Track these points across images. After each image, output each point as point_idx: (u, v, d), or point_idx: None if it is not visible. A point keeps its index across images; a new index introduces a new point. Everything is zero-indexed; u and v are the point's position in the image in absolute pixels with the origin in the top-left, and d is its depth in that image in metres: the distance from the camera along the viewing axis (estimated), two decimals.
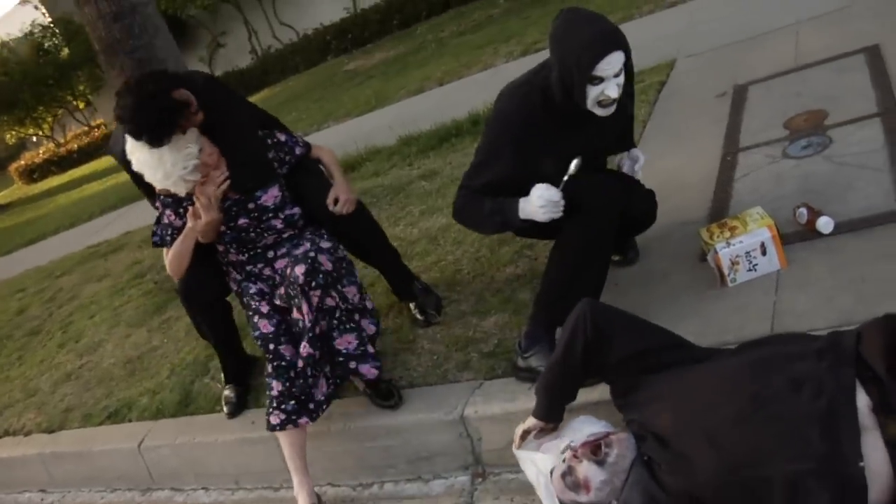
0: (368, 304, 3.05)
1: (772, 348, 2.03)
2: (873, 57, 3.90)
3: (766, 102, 4.00)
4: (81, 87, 23.53)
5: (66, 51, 22.59)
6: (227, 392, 3.42)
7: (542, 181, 2.48)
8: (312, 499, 2.80)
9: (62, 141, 24.39)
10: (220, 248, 3.06)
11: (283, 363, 2.82)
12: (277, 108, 11.64)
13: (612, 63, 2.39)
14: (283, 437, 2.84)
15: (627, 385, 2.15)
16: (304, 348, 2.78)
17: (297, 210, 3.06)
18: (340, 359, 2.87)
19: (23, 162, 23.59)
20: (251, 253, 3.04)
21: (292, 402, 2.78)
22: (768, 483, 1.81)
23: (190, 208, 2.89)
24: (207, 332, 3.36)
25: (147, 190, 3.13)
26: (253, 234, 3.01)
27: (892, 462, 1.74)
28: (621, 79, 2.45)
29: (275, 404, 2.80)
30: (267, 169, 3.02)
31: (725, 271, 2.65)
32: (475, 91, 6.76)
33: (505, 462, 2.67)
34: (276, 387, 2.80)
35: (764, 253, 2.63)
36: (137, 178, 3.00)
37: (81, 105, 24.52)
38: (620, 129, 2.81)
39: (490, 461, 2.70)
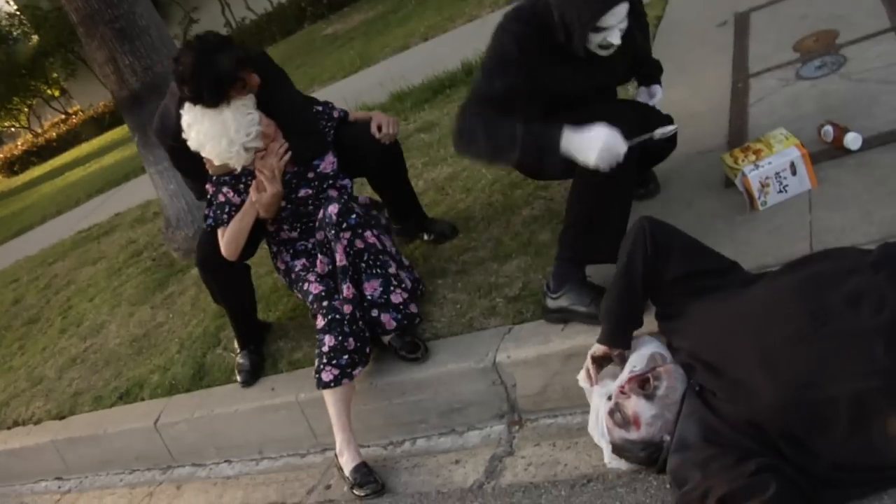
0: (405, 261, 3.04)
1: (823, 264, 1.96)
2: None
3: (772, 27, 3.88)
4: (55, 75, 23.12)
5: (35, 39, 22.14)
6: (240, 360, 3.33)
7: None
8: (359, 457, 2.71)
9: (39, 131, 24.03)
10: (272, 228, 3.09)
11: (337, 316, 2.77)
12: None
13: (616, 14, 2.32)
14: (331, 395, 2.75)
15: (677, 310, 2.08)
16: (348, 289, 2.77)
17: (347, 181, 3.13)
18: (365, 304, 2.83)
19: (1, 155, 23.23)
20: (303, 227, 3.06)
21: (345, 356, 2.72)
22: (833, 403, 1.73)
23: (253, 182, 2.88)
24: (223, 296, 3.26)
25: (195, 173, 3.11)
26: (311, 207, 3.01)
27: None
28: (625, 24, 2.36)
29: (325, 360, 2.73)
30: (322, 138, 3.07)
31: (756, 194, 2.56)
32: (463, 43, 6.59)
33: (542, 407, 2.60)
34: (328, 341, 2.74)
35: (794, 173, 2.54)
36: (185, 162, 3.04)
37: (56, 93, 24.13)
38: (630, 60, 2.70)
39: (526, 407, 2.62)
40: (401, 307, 2.85)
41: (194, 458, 3.45)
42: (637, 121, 2.46)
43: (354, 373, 2.74)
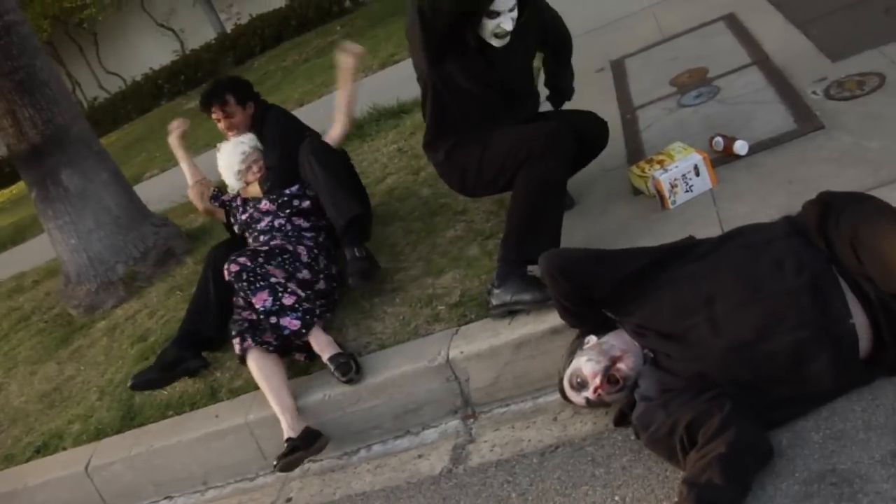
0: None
1: (745, 238, 2.28)
2: (732, 22, 4.39)
3: (646, 69, 4.38)
4: None
5: None
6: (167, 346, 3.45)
7: None
8: (297, 422, 2.85)
9: None
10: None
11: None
12: (122, 153, 11.23)
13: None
14: (252, 363, 3.02)
15: (623, 304, 2.33)
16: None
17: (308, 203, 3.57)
18: (262, 316, 3.03)
19: None
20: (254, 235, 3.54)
21: (248, 331, 3.08)
22: (772, 355, 2.03)
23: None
24: (200, 291, 3.43)
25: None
26: (263, 220, 3.56)
27: (867, 314, 2.01)
28: (515, 13, 2.72)
29: (234, 334, 3.10)
30: (285, 173, 3.56)
31: (667, 194, 2.91)
32: None
33: (494, 398, 2.78)
34: (234, 331, 3.12)
35: (698, 174, 2.92)
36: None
37: None
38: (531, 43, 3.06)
39: (479, 400, 2.80)
40: (296, 306, 3.04)
41: (129, 501, 3.36)
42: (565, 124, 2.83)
43: (251, 339, 3.04)
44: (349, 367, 2.89)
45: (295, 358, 3.15)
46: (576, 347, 2.36)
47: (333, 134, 3.60)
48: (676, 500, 1.91)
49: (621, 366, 2.26)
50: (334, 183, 3.35)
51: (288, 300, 3.05)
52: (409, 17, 2.77)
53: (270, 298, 3.03)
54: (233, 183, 3.64)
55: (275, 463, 2.75)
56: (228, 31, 15.38)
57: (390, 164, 4.67)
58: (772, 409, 2.06)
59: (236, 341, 3.07)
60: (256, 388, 3.17)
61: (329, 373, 2.94)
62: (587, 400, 2.32)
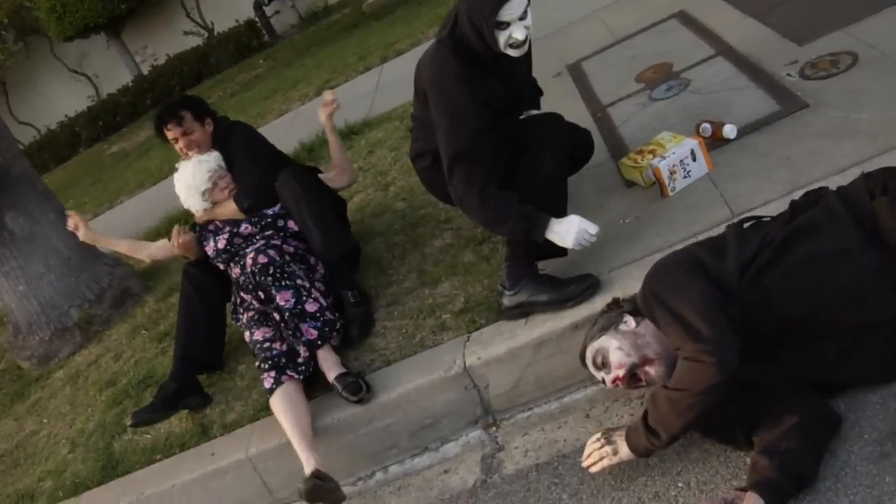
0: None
1: (811, 241, 2.04)
2: (685, 19, 4.44)
3: (607, 69, 4.39)
4: None
5: None
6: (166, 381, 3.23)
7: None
8: (316, 463, 2.59)
9: None
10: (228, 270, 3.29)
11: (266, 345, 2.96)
12: None
13: (514, 7, 2.55)
14: (277, 404, 2.78)
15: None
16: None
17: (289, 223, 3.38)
18: (285, 315, 2.91)
19: None
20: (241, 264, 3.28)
21: (281, 358, 2.88)
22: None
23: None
24: (186, 314, 3.24)
25: None
26: (248, 243, 3.32)
27: None
28: (528, 21, 2.63)
29: (264, 371, 2.87)
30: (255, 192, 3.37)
31: (666, 181, 2.88)
32: (286, 130, 6.75)
33: (516, 403, 2.68)
34: (259, 358, 2.93)
35: (694, 159, 2.91)
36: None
37: None
38: (526, 79, 3.01)
39: (500, 407, 2.69)
40: (318, 315, 2.90)
41: None
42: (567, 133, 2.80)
43: (288, 373, 2.83)
44: (359, 386, 2.74)
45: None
46: (611, 322, 2.21)
47: (337, 182, 3.54)
48: (751, 471, 1.84)
49: (650, 370, 2.13)
50: (321, 214, 3.21)
51: (311, 307, 2.93)
52: (434, 70, 2.69)
53: (293, 300, 2.92)
54: (197, 204, 3.37)
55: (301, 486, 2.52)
56: (145, 72, 14.98)
57: (354, 183, 4.54)
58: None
59: (269, 375, 2.84)
60: (253, 420, 3.01)
61: (336, 394, 2.79)
62: (602, 380, 2.24)
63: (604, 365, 2.19)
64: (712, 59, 3.79)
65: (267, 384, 2.82)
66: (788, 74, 3.29)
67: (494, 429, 2.68)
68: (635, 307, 2.21)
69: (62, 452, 3.53)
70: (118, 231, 5.81)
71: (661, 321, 2.05)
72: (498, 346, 2.63)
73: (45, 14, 14.28)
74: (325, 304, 2.98)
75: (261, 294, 2.99)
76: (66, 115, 15.41)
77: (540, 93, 3.25)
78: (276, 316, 2.96)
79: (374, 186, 4.31)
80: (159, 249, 3.58)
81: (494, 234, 2.90)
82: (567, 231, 2.55)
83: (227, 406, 3.14)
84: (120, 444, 3.33)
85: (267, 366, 2.86)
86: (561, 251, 2.67)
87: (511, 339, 2.62)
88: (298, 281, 2.97)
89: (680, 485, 2.00)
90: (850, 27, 3.38)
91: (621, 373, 2.15)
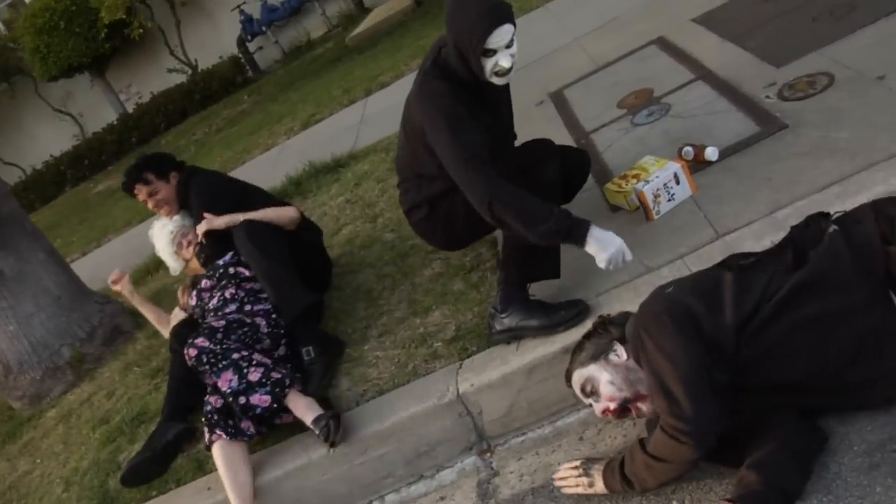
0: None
1: (817, 299, 1.94)
2: (664, 45, 4.53)
3: (589, 96, 4.46)
4: None
5: None
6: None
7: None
8: None
9: None
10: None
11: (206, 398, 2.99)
12: None
13: (502, 35, 2.57)
14: (215, 458, 2.84)
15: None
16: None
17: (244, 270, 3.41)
18: (230, 398, 2.86)
19: None
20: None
21: (213, 415, 2.90)
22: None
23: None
24: (174, 367, 3.29)
25: None
26: (210, 295, 3.40)
27: None
28: (514, 49, 2.66)
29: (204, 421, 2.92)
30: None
31: (651, 205, 2.93)
32: (273, 164, 6.82)
33: (509, 428, 2.70)
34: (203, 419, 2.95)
35: (678, 182, 2.95)
36: None
37: None
38: (510, 117, 3.06)
39: (494, 432, 2.70)
40: (264, 381, 2.87)
41: None
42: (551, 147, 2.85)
43: (221, 434, 2.85)
44: (328, 428, 2.73)
45: (284, 420, 2.97)
46: (601, 350, 2.20)
47: (286, 225, 3.51)
48: (738, 485, 1.87)
49: (643, 406, 2.12)
50: (276, 272, 3.21)
51: (254, 375, 2.88)
52: (425, 98, 2.70)
53: (236, 377, 2.86)
54: (173, 265, 3.64)
55: None
56: (130, 110, 15.02)
57: (342, 216, 4.58)
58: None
59: (206, 431, 2.90)
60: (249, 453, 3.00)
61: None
62: (590, 404, 2.24)
63: (593, 393, 2.21)
64: (692, 84, 3.87)
65: (206, 438, 2.90)
66: (767, 96, 3.36)
67: (489, 454, 2.69)
68: (623, 334, 2.22)
69: (56, 492, 3.51)
70: (105, 270, 5.81)
71: (647, 378, 2.05)
72: (490, 372, 2.66)
73: (30, 54, 14.34)
74: (269, 363, 2.94)
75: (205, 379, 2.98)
76: (51, 155, 15.38)
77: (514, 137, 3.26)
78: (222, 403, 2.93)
79: (362, 218, 4.35)
80: (176, 318, 3.63)
81: (528, 235, 2.52)
82: (609, 242, 2.47)
83: None
84: (115, 482, 3.31)
85: (202, 421, 2.92)
86: (551, 272, 2.71)
87: (503, 365, 2.64)
88: (235, 356, 2.91)
89: (674, 503, 2.02)
90: (825, 48, 3.47)
91: (612, 406, 2.16)
